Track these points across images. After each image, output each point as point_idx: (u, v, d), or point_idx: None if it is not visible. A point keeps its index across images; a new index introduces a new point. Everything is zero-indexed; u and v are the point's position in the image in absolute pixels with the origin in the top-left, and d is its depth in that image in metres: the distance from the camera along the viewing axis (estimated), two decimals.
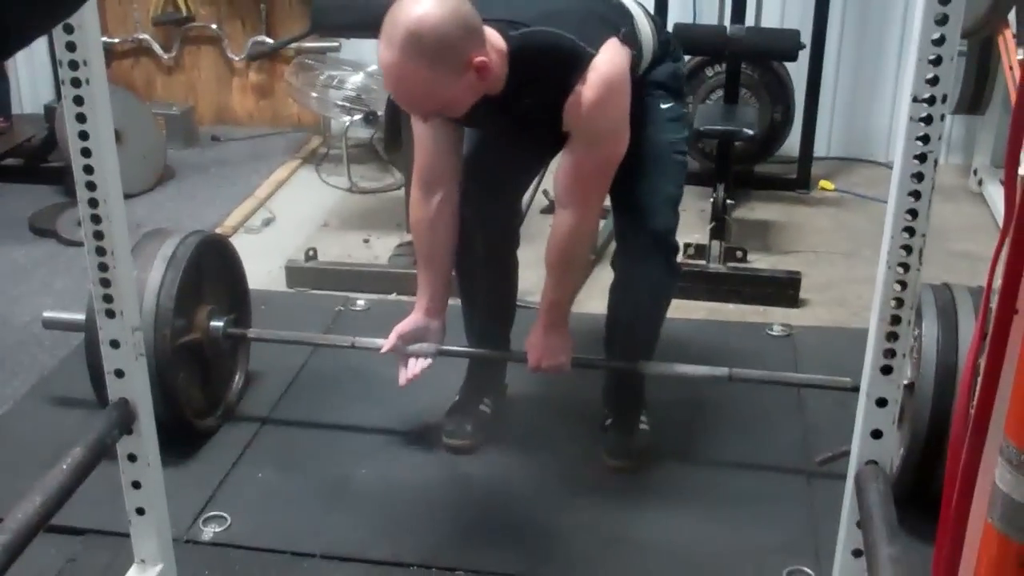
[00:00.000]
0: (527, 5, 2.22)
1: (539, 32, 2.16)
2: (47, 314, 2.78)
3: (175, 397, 2.50)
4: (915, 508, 1.96)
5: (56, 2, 1.00)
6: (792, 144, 4.41)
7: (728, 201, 3.73)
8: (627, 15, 2.34)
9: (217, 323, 2.65)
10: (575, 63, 2.13)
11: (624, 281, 2.51)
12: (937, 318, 2.26)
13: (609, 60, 2.15)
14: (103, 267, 1.80)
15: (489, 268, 2.61)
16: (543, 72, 2.17)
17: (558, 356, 2.44)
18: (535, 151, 2.45)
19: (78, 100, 1.71)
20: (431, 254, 2.46)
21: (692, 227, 3.87)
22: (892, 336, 1.58)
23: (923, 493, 2.19)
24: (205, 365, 2.68)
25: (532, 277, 3.32)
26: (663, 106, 2.42)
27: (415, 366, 2.49)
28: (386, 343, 2.49)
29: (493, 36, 2.13)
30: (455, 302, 2.62)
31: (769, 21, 4.31)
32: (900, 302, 1.55)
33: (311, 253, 3.61)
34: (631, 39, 2.26)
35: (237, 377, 2.82)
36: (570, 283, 2.45)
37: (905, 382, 2.20)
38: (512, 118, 2.28)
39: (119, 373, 1.86)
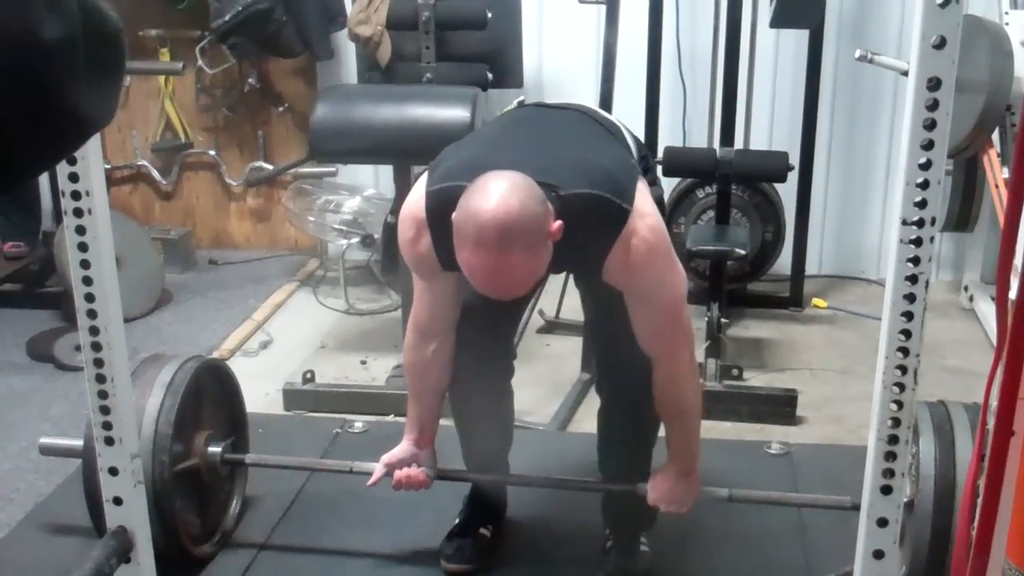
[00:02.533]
0: (551, 153, 2.17)
1: (580, 196, 2.08)
2: (44, 440, 2.75)
3: (172, 524, 2.47)
4: None
5: (61, 137, 1.02)
6: (784, 263, 4.44)
7: (723, 320, 3.75)
8: (618, 131, 2.38)
9: (215, 449, 2.64)
10: (613, 224, 2.09)
11: (608, 407, 2.52)
12: (934, 436, 2.26)
13: (645, 223, 2.10)
14: (103, 394, 1.81)
15: (485, 401, 2.58)
16: (581, 233, 2.08)
17: (681, 505, 2.41)
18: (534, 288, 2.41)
19: (80, 230, 1.74)
20: (422, 393, 2.46)
21: None
22: (890, 455, 1.59)
23: None
24: (202, 490, 2.66)
25: (529, 396, 3.33)
26: None
27: (408, 479, 2.47)
28: (374, 474, 2.49)
29: None
30: (448, 422, 2.61)
31: (757, 143, 4.38)
32: (897, 421, 1.57)
33: (308, 375, 3.61)
34: (643, 163, 2.26)
35: (234, 502, 2.79)
36: (690, 427, 2.37)
37: (905, 500, 2.19)
38: None
39: (117, 500, 1.86)
